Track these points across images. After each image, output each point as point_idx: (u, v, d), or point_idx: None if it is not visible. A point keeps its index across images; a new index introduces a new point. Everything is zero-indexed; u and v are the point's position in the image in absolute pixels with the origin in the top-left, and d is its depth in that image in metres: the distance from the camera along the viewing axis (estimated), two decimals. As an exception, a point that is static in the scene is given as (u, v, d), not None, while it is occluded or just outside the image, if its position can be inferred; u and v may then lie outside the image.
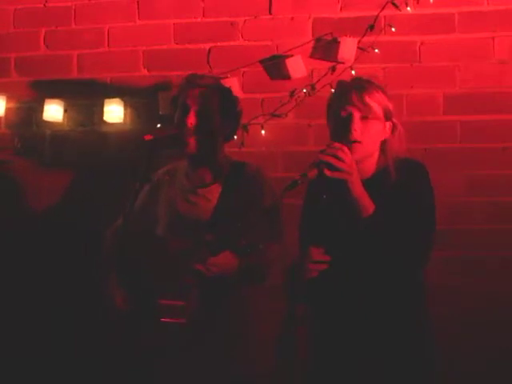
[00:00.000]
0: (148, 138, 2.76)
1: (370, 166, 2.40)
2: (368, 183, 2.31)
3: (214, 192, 2.70)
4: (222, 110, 2.71)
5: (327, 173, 2.21)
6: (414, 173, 2.35)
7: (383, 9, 3.26)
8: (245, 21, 3.47)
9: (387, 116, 2.38)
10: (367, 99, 2.34)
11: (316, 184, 2.32)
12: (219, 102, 2.71)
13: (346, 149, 2.24)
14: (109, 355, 2.73)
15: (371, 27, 3.26)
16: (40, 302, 3.42)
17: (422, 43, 3.32)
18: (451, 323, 3.10)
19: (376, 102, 2.36)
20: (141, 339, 2.60)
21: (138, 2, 3.56)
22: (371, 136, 2.35)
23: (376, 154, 2.40)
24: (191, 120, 2.66)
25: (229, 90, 2.79)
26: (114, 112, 3.45)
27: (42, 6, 3.63)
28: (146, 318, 2.58)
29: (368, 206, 2.24)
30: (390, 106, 2.39)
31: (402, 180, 2.32)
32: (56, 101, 3.50)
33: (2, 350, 3.39)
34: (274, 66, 3.36)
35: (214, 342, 2.60)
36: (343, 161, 2.20)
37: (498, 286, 3.17)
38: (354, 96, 2.35)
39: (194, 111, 2.67)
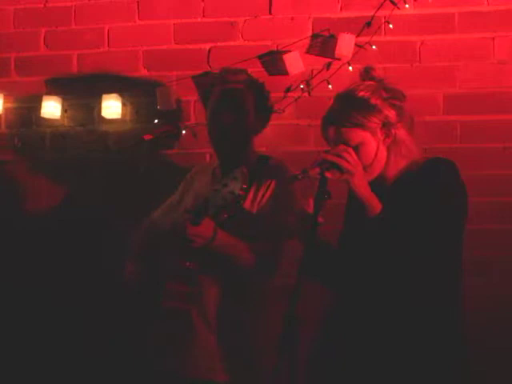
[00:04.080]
0: (148, 137, 2.78)
1: (387, 171, 2.34)
2: (390, 187, 2.30)
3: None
4: (255, 107, 2.68)
5: (328, 175, 2.20)
6: (436, 173, 2.28)
7: (379, 8, 3.26)
8: (245, 21, 3.46)
9: (377, 128, 2.28)
10: (343, 135, 2.26)
11: (318, 184, 2.31)
12: (253, 99, 2.68)
13: (351, 150, 2.23)
14: (114, 352, 2.74)
15: (368, 24, 3.27)
16: (42, 303, 3.42)
17: (422, 43, 3.32)
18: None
19: (355, 129, 2.26)
20: (149, 326, 2.60)
21: (138, 2, 3.56)
22: (362, 157, 2.26)
23: (391, 164, 2.33)
24: (227, 119, 2.63)
25: (261, 85, 2.75)
26: (112, 108, 3.44)
27: (42, 6, 3.63)
28: (155, 303, 2.57)
29: (375, 206, 2.20)
30: (382, 117, 2.28)
31: (424, 181, 2.25)
32: (53, 97, 3.50)
33: (5, 350, 3.40)
34: (272, 62, 3.37)
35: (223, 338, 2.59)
36: (347, 161, 2.19)
37: (498, 286, 3.17)
38: (331, 133, 2.31)
39: (229, 110, 2.63)
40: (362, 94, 2.29)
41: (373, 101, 2.28)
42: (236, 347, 2.58)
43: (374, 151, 2.29)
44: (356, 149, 2.25)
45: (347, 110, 2.27)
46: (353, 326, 2.31)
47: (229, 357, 2.58)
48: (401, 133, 2.32)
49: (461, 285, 2.36)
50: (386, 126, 2.29)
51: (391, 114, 2.30)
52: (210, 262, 2.54)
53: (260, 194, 2.62)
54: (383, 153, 2.30)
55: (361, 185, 2.21)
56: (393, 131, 2.30)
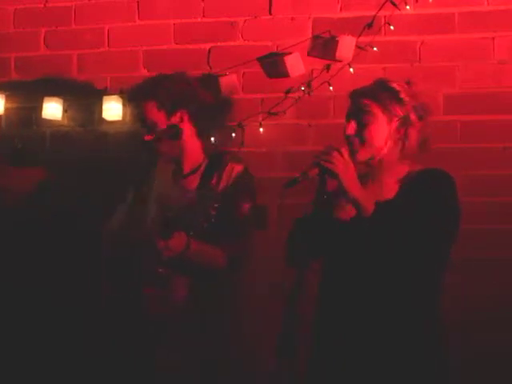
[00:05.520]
0: (148, 137, 2.80)
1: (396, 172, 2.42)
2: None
3: (193, 183, 2.77)
4: (163, 110, 2.77)
5: (323, 163, 2.24)
6: (438, 181, 2.37)
7: (381, 8, 3.26)
8: (245, 21, 3.47)
9: (393, 116, 2.38)
10: (362, 101, 2.38)
11: (317, 184, 2.33)
12: (156, 104, 2.77)
13: (343, 149, 2.27)
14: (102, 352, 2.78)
15: (369, 25, 3.26)
16: (41, 302, 3.43)
17: (422, 43, 3.32)
18: (450, 323, 3.10)
19: (373, 103, 2.37)
20: (128, 331, 2.67)
21: (138, 1, 3.57)
22: (369, 136, 2.37)
23: (394, 160, 2.41)
24: (144, 134, 2.81)
25: (170, 87, 2.82)
26: (113, 109, 3.45)
27: (42, 6, 3.63)
28: (133, 309, 2.64)
29: (367, 206, 2.24)
30: (398, 107, 2.39)
31: (424, 187, 2.33)
32: (55, 99, 3.50)
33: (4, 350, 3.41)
34: (273, 64, 3.37)
35: (198, 337, 2.66)
36: (335, 164, 2.24)
37: (497, 286, 3.17)
38: (351, 100, 2.43)
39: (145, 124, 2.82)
40: (394, 85, 2.42)
41: (401, 95, 2.40)
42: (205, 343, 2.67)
43: (381, 135, 2.37)
44: (366, 125, 2.36)
45: (378, 89, 2.41)
46: (342, 324, 2.34)
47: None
48: (413, 138, 2.41)
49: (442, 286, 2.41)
50: (403, 121, 2.38)
51: (412, 115, 2.40)
52: (183, 267, 2.62)
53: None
54: (387, 143, 2.38)
55: (352, 185, 2.25)
56: (407, 130, 2.38)
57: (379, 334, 2.28)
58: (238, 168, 2.77)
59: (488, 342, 3.13)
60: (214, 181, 2.72)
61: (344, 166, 2.24)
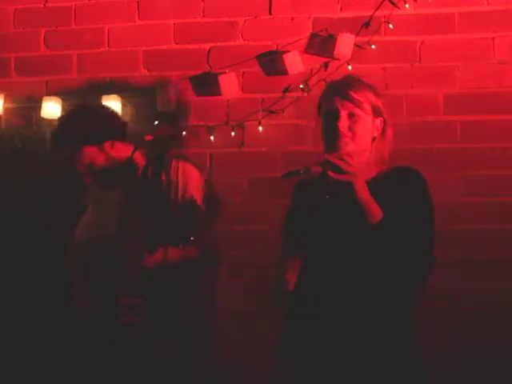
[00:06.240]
0: (148, 137, 2.81)
1: (369, 169, 2.38)
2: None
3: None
4: (95, 146, 2.87)
5: (331, 174, 2.20)
6: (412, 180, 2.33)
7: (378, 7, 3.26)
8: (245, 21, 3.47)
9: (376, 113, 2.36)
10: (352, 94, 2.33)
11: (319, 184, 2.31)
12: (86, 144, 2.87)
13: (352, 154, 2.24)
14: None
15: (366, 24, 3.26)
16: (39, 302, 3.43)
17: (422, 43, 3.32)
18: (449, 324, 3.10)
19: (362, 98, 2.34)
20: (104, 338, 2.73)
21: (138, 2, 3.57)
22: (359, 131, 2.33)
23: (373, 158, 2.38)
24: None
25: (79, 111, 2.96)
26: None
27: (42, 5, 3.63)
28: (108, 317, 2.70)
29: (376, 212, 2.20)
30: (380, 104, 2.37)
31: (399, 186, 2.29)
32: (54, 98, 3.50)
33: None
34: (272, 62, 3.37)
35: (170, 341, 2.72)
36: (349, 164, 2.19)
37: (497, 286, 3.17)
38: (339, 92, 2.36)
39: None
40: (366, 81, 2.41)
41: (378, 91, 2.40)
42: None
43: (366, 127, 2.35)
44: (352, 117, 2.33)
45: (359, 81, 2.39)
46: (325, 323, 2.31)
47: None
48: (389, 137, 2.39)
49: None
50: (385, 119, 2.37)
51: (382, 107, 2.38)
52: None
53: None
54: (371, 141, 2.36)
55: (362, 189, 2.21)
56: (385, 128, 2.37)
57: (362, 335, 2.26)
58: (183, 164, 2.85)
59: (488, 342, 3.13)
60: (163, 178, 2.82)
61: (356, 169, 2.20)
